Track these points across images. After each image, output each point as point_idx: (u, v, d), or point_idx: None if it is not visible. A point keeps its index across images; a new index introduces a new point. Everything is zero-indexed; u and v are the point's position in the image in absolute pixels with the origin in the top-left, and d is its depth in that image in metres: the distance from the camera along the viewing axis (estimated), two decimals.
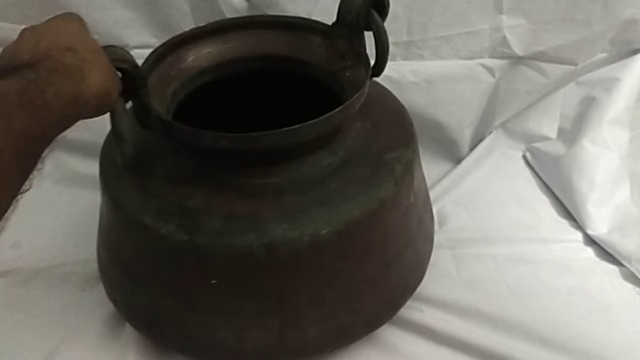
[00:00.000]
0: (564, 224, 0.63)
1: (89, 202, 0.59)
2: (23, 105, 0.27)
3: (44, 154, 0.30)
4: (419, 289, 0.50)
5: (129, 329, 0.50)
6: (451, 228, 0.62)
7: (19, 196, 0.58)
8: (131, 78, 0.37)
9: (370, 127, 0.45)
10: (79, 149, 0.67)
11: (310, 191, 0.40)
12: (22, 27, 0.31)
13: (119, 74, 0.35)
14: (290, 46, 0.47)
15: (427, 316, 0.52)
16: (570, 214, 0.63)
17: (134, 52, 0.37)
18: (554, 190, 0.66)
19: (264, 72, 0.48)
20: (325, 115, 0.38)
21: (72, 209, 0.64)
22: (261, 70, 0.48)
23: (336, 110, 0.38)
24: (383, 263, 0.44)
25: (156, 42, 0.59)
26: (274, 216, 0.38)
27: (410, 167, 0.44)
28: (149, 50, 0.44)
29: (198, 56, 0.46)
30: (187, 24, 0.60)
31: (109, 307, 0.50)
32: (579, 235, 0.61)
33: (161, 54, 0.44)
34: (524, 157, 0.71)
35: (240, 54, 0.47)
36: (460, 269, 0.57)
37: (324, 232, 0.38)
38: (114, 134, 0.39)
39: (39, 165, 0.26)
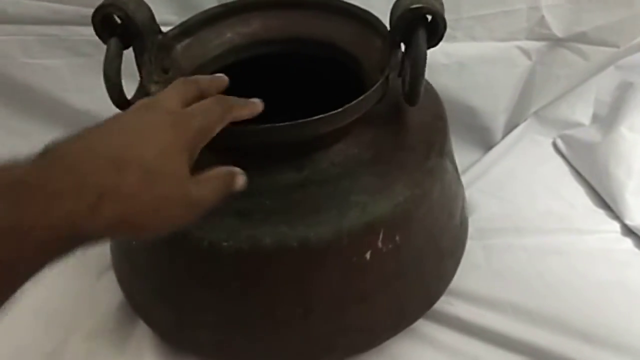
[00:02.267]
0: (600, 213, 0.60)
1: None
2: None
3: None
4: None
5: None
6: (480, 217, 0.60)
7: None
8: (125, 28, 0.34)
9: (357, 152, 0.39)
10: None
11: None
12: None
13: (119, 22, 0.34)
14: (352, 38, 0.42)
15: (459, 309, 0.50)
16: (606, 204, 0.61)
17: None
18: (588, 178, 0.64)
19: (304, 58, 0.44)
20: (289, 123, 0.33)
21: None
22: (303, 55, 0.44)
23: (297, 121, 0.33)
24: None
25: (176, 19, 0.56)
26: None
27: (377, 217, 0.36)
28: (168, 28, 0.42)
29: (239, 32, 0.43)
30: (209, 1, 0.57)
31: None
32: (616, 226, 0.59)
33: (194, 25, 0.41)
34: (554, 144, 0.69)
35: (283, 34, 0.44)
36: (491, 260, 0.56)
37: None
38: (104, 74, 0.36)
39: None
